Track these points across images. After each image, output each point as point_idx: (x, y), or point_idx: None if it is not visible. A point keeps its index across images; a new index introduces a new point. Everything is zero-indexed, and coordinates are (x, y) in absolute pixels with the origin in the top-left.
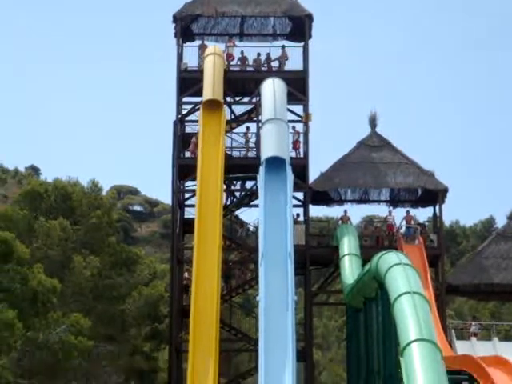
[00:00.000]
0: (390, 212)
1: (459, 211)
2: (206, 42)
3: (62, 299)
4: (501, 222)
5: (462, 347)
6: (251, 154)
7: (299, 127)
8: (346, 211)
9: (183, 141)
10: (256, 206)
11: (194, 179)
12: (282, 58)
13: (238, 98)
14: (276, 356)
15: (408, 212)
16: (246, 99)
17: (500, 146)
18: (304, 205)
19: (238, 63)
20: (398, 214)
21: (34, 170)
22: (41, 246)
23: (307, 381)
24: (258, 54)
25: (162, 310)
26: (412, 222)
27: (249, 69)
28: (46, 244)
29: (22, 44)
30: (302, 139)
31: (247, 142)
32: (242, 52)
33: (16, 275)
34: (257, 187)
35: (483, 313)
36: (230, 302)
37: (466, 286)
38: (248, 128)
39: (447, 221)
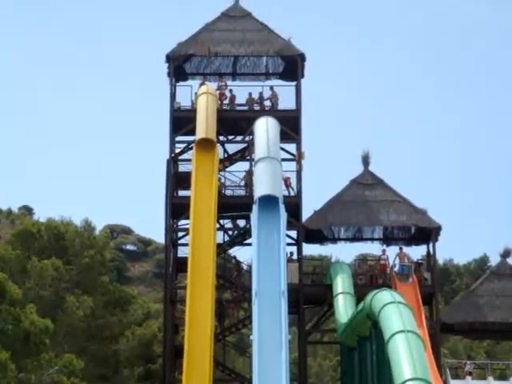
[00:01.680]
0: (383, 251)
1: (453, 249)
2: (200, 81)
3: (55, 340)
4: (494, 261)
5: None
6: (244, 193)
7: (292, 166)
8: (401, 248)
9: (176, 180)
10: (249, 244)
11: (187, 218)
12: (274, 98)
13: (230, 137)
14: None
15: (401, 249)
16: (238, 138)
17: (494, 184)
18: (297, 243)
19: (227, 102)
20: (392, 252)
21: (27, 210)
22: (33, 286)
23: None
24: (250, 94)
25: (155, 349)
26: (406, 260)
27: (241, 108)
28: (39, 284)
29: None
30: (295, 178)
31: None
32: (230, 90)
33: (8, 316)
34: (250, 226)
35: (478, 351)
36: (223, 342)
37: (461, 325)
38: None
39: (441, 259)
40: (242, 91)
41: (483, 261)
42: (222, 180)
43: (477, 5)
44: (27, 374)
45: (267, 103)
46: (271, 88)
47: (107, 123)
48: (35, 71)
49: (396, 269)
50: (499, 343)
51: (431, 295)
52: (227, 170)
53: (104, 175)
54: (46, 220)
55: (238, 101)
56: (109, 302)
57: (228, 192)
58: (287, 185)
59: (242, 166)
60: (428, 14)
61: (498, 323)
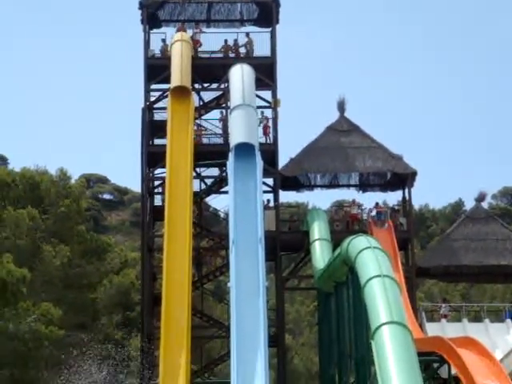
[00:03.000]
0: (353, 201)
1: (428, 195)
2: (175, 27)
3: (32, 289)
4: (469, 205)
5: (433, 329)
6: (220, 141)
7: (268, 113)
8: (377, 203)
9: (152, 128)
10: (226, 192)
11: (164, 166)
12: (249, 44)
13: (206, 85)
14: (248, 342)
15: (377, 204)
16: (214, 86)
17: (468, 130)
18: (274, 191)
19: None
20: (368, 198)
21: (1, 160)
22: (9, 235)
23: (279, 366)
24: (226, 41)
25: (133, 297)
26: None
27: (216, 55)
28: (15, 234)
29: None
30: (271, 125)
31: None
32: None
33: None
34: (226, 174)
35: (453, 295)
36: (201, 289)
37: (436, 269)
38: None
39: (416, 204)
40: (216, 38)
41: (458, 205)
42: (198, 128)
43: None
44: (5, 323)
45: (242, 50)
46: (247, 34)
47: (81, 72)
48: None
49: (372, 214)
50: (474, 286)
51: (407, 240)
52: (203, 117)
53: (79, 124)
54: (20, 169)
55: (212, 48)
56: (86, 251)
57: (204, 140)
58: (266, 132)
59: (217, 114)
60: None
61: (473, 266)
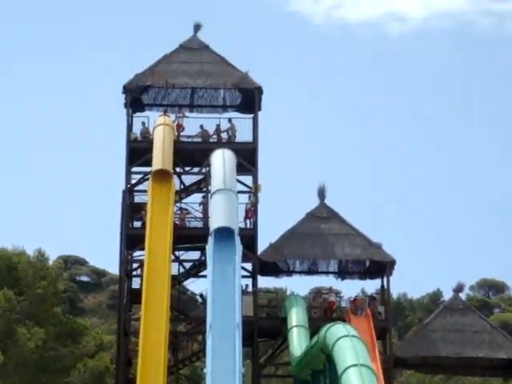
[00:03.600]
0: (330, 288)
1: (406, 284)
2: (160, 112)
3: (5, 372)
4: (447, 295)
5: None
6: (200, 224)
7: (249, 198)
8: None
9: (132, 210)
10: (205, 276)
11: (143, 249)
12: (232, 130)
13: (187, 169)
14: None
15: (355, 298)
16: (195, 170)
17: (447, 221)
18: (252, 276)
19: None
20: (347, 286)
21: None
22: None
23: None
24: (201, 127)
25: (107, 382)
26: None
27: (198, 140)
28: None
29: None
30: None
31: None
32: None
33: None
34: (205, 257)
35: None
36: (176, 375)
37: (414, 359)
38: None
39: (395, 293)
40: (199, 123)
41: (436, 295)
42: (179, 211)
43: None
44: None
45: (224, 135)
46: (229, 120)
47: (62, 154)
48: None
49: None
50: (451, 378)
51: (385, 329)
52: (183, 201)
53: (59, 206)
54: None
55: (195, 132)
56: (61, 334)
57: (185, 224)
58: (248, 217)
59: (198, 198)
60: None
61: (451, 358)
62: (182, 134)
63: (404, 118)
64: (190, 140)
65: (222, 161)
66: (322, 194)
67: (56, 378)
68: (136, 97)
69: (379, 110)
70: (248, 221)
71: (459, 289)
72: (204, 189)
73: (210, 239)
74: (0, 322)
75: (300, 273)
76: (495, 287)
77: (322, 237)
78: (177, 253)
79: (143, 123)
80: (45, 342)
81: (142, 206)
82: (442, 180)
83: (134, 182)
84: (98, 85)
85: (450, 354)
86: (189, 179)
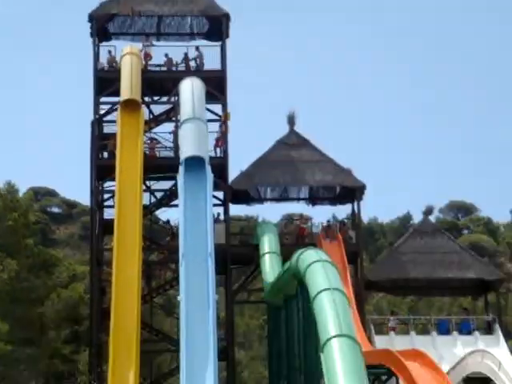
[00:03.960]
0: (301, 215)
1: (377, 208)
2: (125, 42)
3: None
4: (417, 218)
5: (381, 342)
6: (171, 154)
7: (218, 127)
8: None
9: (101, 141)
10: (176, 205)
11: (113, 180)
12: (199, 58)
13: (156, 98)
14: (198, 356)
15: (328, 225)
16: (164, 99)
17: (417, 141)
18: (224, 204)
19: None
20: (318, 212)
21: None
22: None
23: (229, 379)
24: (166, 55)
25: (81, 312)
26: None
27: (166, 68)
28: None
29: None
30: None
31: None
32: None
33: None
34: (176, 187)
35: (401, 307)
36: (150, 303)
37: (385, 282)
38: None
39: (365, 218)
40: (166, 52)
41: (406, 219)
42: (148, 141)
43: None
44: None
45: (192, 64)
46: (197, 48)
47: (31, 83)
48: None
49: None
50: (421, 299)
51: (356, 253)
52: (153, 131)
53: (28, 137)
54: None
55: (163, 61)
56: (33, 265)
57: (155, 153)
58: (218, 145)
59: (168, 128)
60: None
61: (421, 279)
62: (149, 63)
63: (367, 39)
64: (157, 69)
65: (190, 89)
66: (291, 120)
67: (30, 309)
68: (102, 26)
69: (345, 32)
70: (218, 149)
71: (429, 211)
72: (173, 118)
73: (181, 168)
74: None
75: (271, 200)
76: (464, 209)
77: (293, 164)
78: (148, 183)
79: (109, 52)
80: (17, 273)
81: (110, 137)
82: (412, 101)
83: (102, 112)
84: (63, 13)
85: (420, 276)
86: (158, 109)
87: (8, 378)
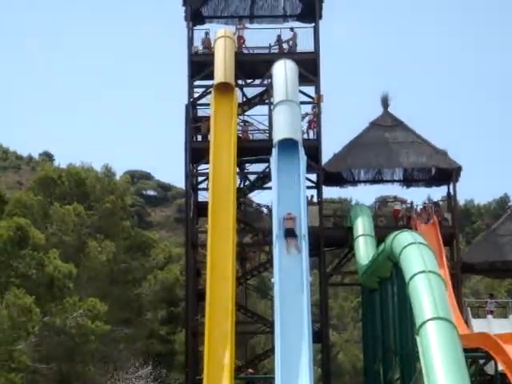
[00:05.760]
0: (395, 197)
1: (473, 190)
2: (218, 25)
3: (78, 284)
4: None
5: (479, 325)
6: (264, 136)
7: (311, 109)
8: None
9: (195, 124)
10: (269, 188)
11: (207, 163)
12: (293, 40)
13: (249, 81)
14: (292, 338)
15: (425, 207)
16: (257, 82)
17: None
18: (317, 186)
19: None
20: (413, 194)
21: (47, 157)
22: (56, 231)
23: (324, 362)
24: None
25: (177, 293)
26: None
27: (260, 51)
28: (61, 229)
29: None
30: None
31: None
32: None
33: (32, 261)
34: (270, 169)
35: (499, 290)
36: (245, 285)
37: (482, 265)
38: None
39: (461, 199)
40: (260, 34)
41: (504, 201)
42: (242, 124)
43: None
44: (52, 318)
45: (285, 46)
46: (291, 29)
47: (126, 69)
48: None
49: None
50: None
51: (452, 236)
52: (246, 113)
53: (124, 121)
54: (66, 166)
55: (256, 43)
56: (130, 247)
57: (248, 136)
58: (311, 127)
59: (261, 110)
60: None
61: None
62: (243, 45)
63: (469, 26)
64: (251, 52)
65: (283, 72)
66: (385, 102)
67: (127, 290)
68: (196, 9)
69: (443, 17)
70: (311, 132)
71: None
72: (267, 101)
73: (274, 151)
74: (71, 236)
75: (365, 182)
76: None
77: (387, 145)
78: (242, 165)
79: (206, 33)
80: (115, 255)
81: (204, 120)
82: (507, 82)
83: (196, 95)
84: None
85: None
86: (251, 91)
87: (108, 357)
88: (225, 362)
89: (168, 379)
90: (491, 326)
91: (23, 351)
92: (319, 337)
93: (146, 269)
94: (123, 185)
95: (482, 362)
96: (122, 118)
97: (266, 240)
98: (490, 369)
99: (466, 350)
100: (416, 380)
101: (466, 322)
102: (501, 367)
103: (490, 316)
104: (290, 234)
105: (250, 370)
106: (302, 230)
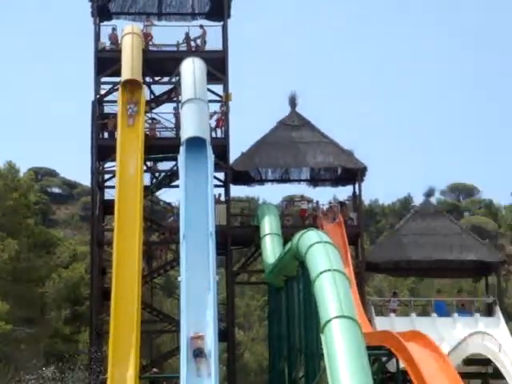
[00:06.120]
0: (302, 196)
1: (378, 190)
2: (125, 22)
3: None
4: (418, 200)
5: (382, 323)
6: (172, 134)
7: (219, 107)
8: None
9: (102, 122)
10: (177, 186)
11: (114, 160)
12: (202, 38)
13: (157, 78)
14: None
15: (330, 206)
16: (165, 79)
17: (417, 125)
18: (225, 185)
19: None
20: (319, 193)
21: None
22: None
23: (230, 360)
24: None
25: (82, 292)
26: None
27: (168, 48)
28: None
29: None
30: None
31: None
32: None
33: None
34: (177, 168)
35: (402, 289)
36: (151, 284)
37: (385, 263)
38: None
39: (366, 199)
40: (167, 31)
41: (407, 201)
42: (152, 121)
43: None
44: None
45: (193, 44)
46: (201, 26)
47: (30, 64)
48: None
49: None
50: (422, 280)
51: (357, 235)
52: (154, 111)
53: (28, 117)
54: None
55: (164, 41)
56: (34, 245)
57: (156, 134)
58: (219, 126)
59: (169, 108)
60: None
61: (421, 261)
62: (150, 43)
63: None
64: (159, 49)
65: (191, 70)
66: (293, 101)
67: (31, 289)
68: (103, 5)
69: (352, 16)
70: (219, 130)
71: (430, 193)
72: (174, 98)
73: (182, 149)
74: None
75: (272, 181)
76: (465, 191)
77: (294, 145)
78: (149, 163)
79: (113, 29)
80: (18, 252)
81: (111, 117)
82: (414, 83)
83: (103, 92)
84: None
85: (421, 258)
86: (159, 89)
87: (9, 358)
88: (130, 361)
89: (72, 379)
90: (394, 324)
91: None
92: (225, 335)
93: (50, 267)
94: (27, 182)
95: (384, 359)
96: (26, 114)
97: (173, 238)
98: (391, 366)
99: (369, 348)
100: (320, 378)
101: (370, 320)
102: (402, 365)
103: (392, 314)
104: (198, 354)
105: (155, 370)
106: (209, 228)
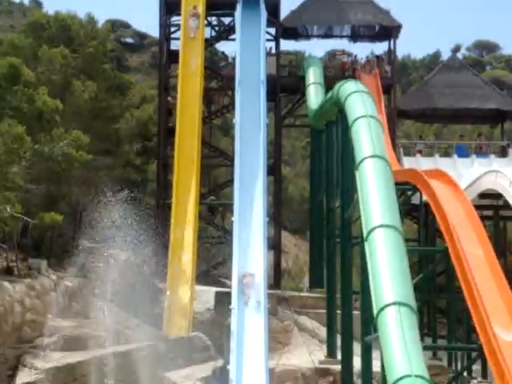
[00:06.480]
0: (343, 50)
1: (411, 46)
2: None
3: (64, 118)
4: (446, 55)
5: (409, 162)
6: None
7: None
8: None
9: None
10: (234, 39)
11: (180, 14)
12: None
13: None
14: (249, 170)
15: (368, 58)
16: None
17: None
18: (276, 39)
19: None
20: (358, 48)
21: (36, 3)
22: (44, 71)
23: (276, 192)
24: None
25: (151, 129)
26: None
27: None
28: (49, 69)
29: None
30: None
31: None
32: None
33: (23, 96)
34: (234, 23)
35: (428, 134)
36: (210, 124)
37: (414, 111)
38: None
39: (400, 54)
40: None
41: (436, 56)
42: None
43: None
44: (41, 146)
45: None
46: None
47: None
48: None
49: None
50: (446, 126)
51: (390, 86)
52: None
53: None
54: (54, 13)
55: None
56: (110, 87)
57: None
58: None
59: None
60: None
61: (446, 109)
62: None
63: None
64: None
65: None
66: None
67: (107, 125)
68: None
69: None
70: None
71: (456, 49)
72: None
73: (238, 6)
74: (58, 76)
75: (317, 37)
76: (488, 47)
77: (337, 4)
78: (209, 18)
79: None
80: (96, 94)
81: None
82: None
83: None
84: None
85: (445, 106)
86: None
87: (89, 182)
88: (191, 188)
89: (141, 203)
90: (419, 163)
91: (16, 173)
92: (273, 170)
93: (123, 107)
94: (104, 32)
95: (409, 193)
96: None
97: (229, 86)
98: (416, 199)
99: (397, 183)
100: (353, 208)
101: (399, 159)
102: (425, 198)
103: (418, 155)
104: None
105: (212, 197)
106: (261, 76)
